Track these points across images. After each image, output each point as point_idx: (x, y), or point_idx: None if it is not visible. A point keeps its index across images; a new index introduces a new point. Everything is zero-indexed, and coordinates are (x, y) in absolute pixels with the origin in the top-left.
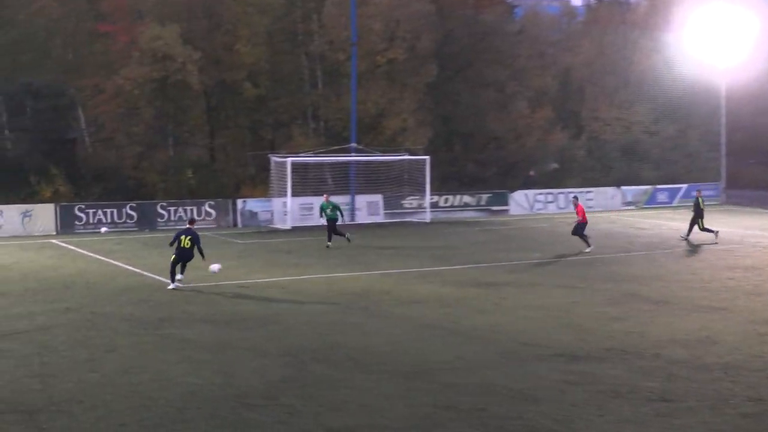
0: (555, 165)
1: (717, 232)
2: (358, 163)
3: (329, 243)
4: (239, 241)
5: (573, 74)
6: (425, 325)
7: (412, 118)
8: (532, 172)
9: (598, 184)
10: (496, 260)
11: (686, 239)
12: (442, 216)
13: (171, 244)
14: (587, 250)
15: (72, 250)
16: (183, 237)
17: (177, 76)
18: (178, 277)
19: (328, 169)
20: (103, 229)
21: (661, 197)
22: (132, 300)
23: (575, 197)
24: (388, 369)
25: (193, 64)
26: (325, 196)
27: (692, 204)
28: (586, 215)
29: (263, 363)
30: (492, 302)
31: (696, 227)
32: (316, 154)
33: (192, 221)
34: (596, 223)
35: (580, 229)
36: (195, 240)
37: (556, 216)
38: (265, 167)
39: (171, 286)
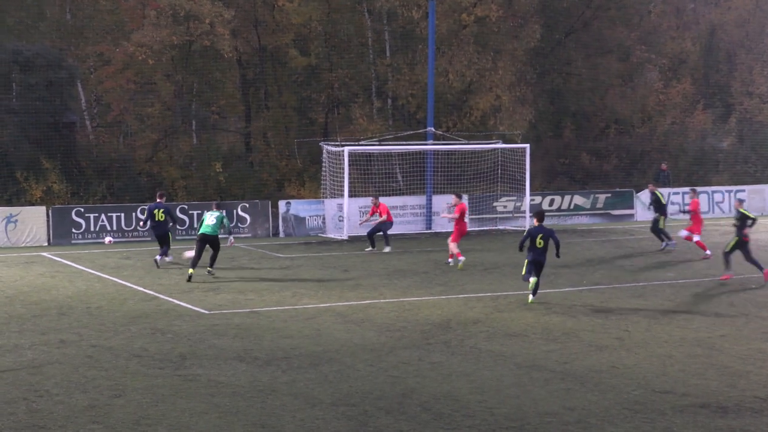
0: (724, 145)
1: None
2: (436, 153)
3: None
4: (282, 255)
5: (720, 37)
6: (525, 366)
7: (508, 94)
8: (664, 165)
9: (752, 181)
10: (617, 280)
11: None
12: (547, 222)
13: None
14: (367, 249)
15: (68, 265)
16: (156, 211)
17: (204, 40)
18: (168, 259)
19: (397, 161)
20: (108, 239)
21: None
22: (145, 331)
23: (375, 198)
24: (476, 423)
25: (224, 25)
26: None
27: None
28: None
29: (314, 414)
30: (613, 336)
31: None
32: (382, 142)
33: (162, 195)
34: (750, 231)
35: (385, 228)
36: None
37: None
38: (315, 159)
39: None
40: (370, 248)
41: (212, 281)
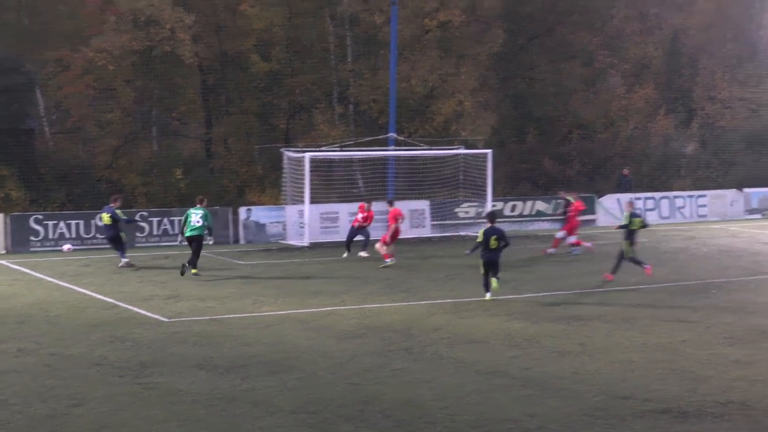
0: (687, 150)
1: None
2: (398, 159)
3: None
4: (242, 262)
5: (683, 41)
6: (487, 373)
7: (470, 99)
8: (626, 171)
9: (714, 186)
10: (580, 286)
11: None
12: (509, 228)
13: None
14: (344, 255)
15: (26, 273)
16: (103, 214)
17: (164, 46)
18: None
19: (359, 167)
20: (67, 247)
21: None
22: (105, 339)
23: (368, 203)
24: (438, 430)
25: (185, 30)
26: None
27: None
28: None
29: (274, 422)
30: (575, 342)
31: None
32: (344, 148)
33: (116, 199)
34: (712, 236)
35: (365, 234)
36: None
37: (658, 228)
38: (276, 165)
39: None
40: (346, 254)
41: (172, 290)
